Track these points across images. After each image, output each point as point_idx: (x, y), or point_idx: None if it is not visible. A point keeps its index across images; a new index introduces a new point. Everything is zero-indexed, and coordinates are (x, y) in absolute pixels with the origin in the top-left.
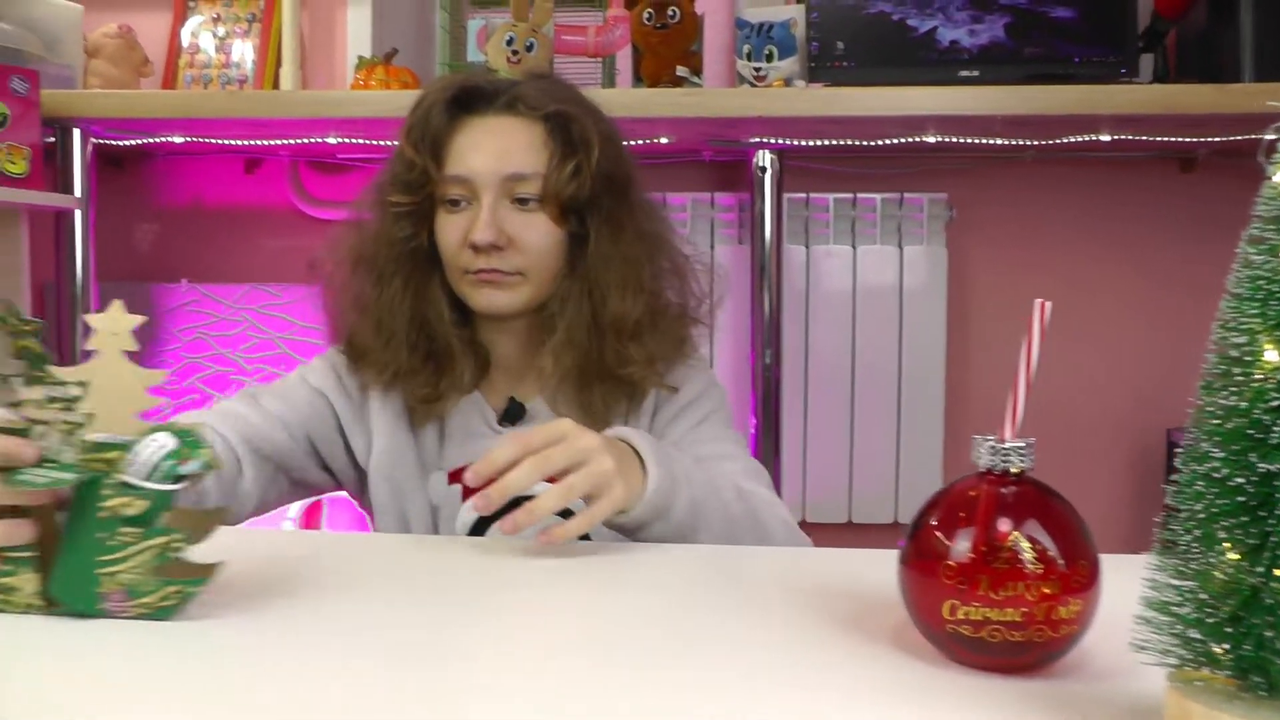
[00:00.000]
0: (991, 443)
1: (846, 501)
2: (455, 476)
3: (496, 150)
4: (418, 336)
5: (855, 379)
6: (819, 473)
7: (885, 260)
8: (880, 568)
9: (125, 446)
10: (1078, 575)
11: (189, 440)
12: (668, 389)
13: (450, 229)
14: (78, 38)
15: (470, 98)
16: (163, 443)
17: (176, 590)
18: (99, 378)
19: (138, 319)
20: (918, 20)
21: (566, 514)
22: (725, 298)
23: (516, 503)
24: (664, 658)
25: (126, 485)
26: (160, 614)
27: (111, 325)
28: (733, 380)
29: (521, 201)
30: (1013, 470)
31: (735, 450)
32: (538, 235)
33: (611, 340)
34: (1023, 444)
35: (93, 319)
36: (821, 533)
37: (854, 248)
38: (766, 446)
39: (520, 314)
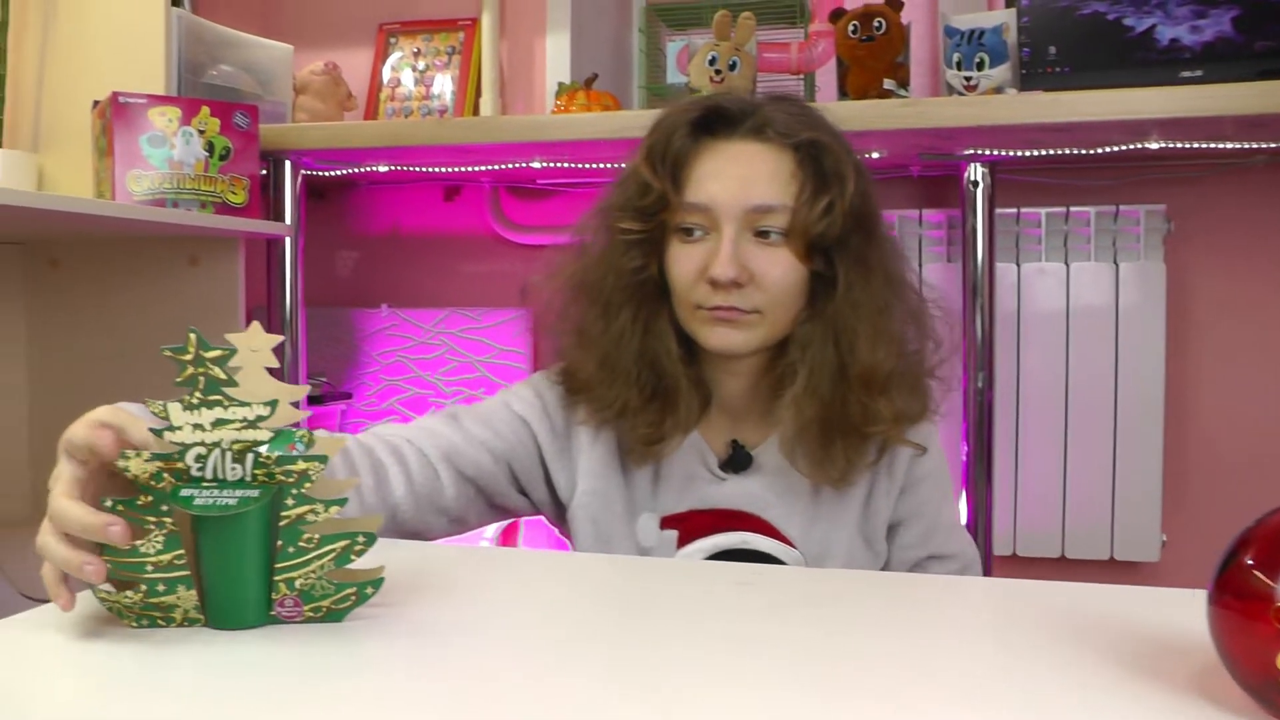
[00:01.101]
0: None
1: (1060, 535)
2: (671, 522)
3: (741, 179)
4: (645, 374)
5: (1069, 404)
6: (1031, 504)
7: (1100, 277)
8: (1164, 606)
9: (320, 459)
10: None
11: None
12: (916, 448)
13: (685, 260)
14: (288, 76)
15: (714, 120)
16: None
17: (352, 592)
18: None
19: (277, 337)
20: (1135, 19)
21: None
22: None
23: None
24: (936, 701)
25: (306, 496)
26: (333, 617)
27: (252, 343)
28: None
29: (763, 235)
30: None
31: (962, 545)
32: (780, 272)
33: (859, 393)
34: None
35: (234, 337)
36: (1034, 568)
37: (1067, 264)
38: (978, 475)
39: (753, 355)
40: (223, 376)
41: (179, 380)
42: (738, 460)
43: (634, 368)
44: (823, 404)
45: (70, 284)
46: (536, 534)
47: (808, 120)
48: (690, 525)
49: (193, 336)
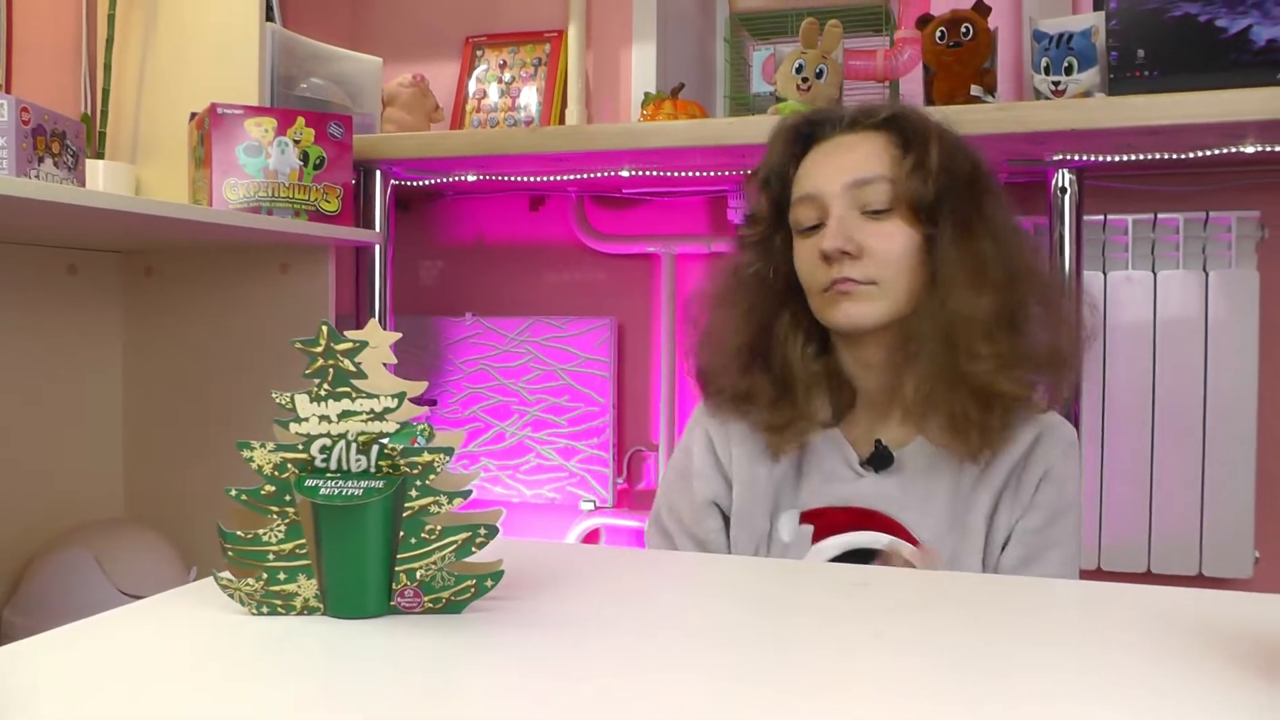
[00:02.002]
0: None
1: (1146, 549)
2: (808, 517)
3: (840, 165)
4: (764, 361)
5: (1156, 416)
6: (1116, 517)
7: (1189, 286)
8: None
9: (446, 450)
10: None
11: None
12: (1030, 399)
13: (805, 252)
14: (377, 88)
15: (814, 128)
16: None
17: (472, 584)
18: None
19: (395, 334)
20: (1228, 19)
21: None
22: (1093, 339)
23: (862, 555)
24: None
25: (429, 488)
26: (452, 608)
27: (372, 339)
28: None
29: (873, 213)
30: None
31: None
32: (890, 242)
33: (962, 340)
34: None
35: (354, 334)
36: (1118, 582)
37: (1154, 273)
38: None
39: (879, 330)
40: (351, 369)
41: (308, 371)
42: (879, 459)
43: (750, 355)
44: (936, 365)
45: (165, 290)
46: (618, 538)
47: (891, 105)
48: (826, 521)
49: (324, 329)
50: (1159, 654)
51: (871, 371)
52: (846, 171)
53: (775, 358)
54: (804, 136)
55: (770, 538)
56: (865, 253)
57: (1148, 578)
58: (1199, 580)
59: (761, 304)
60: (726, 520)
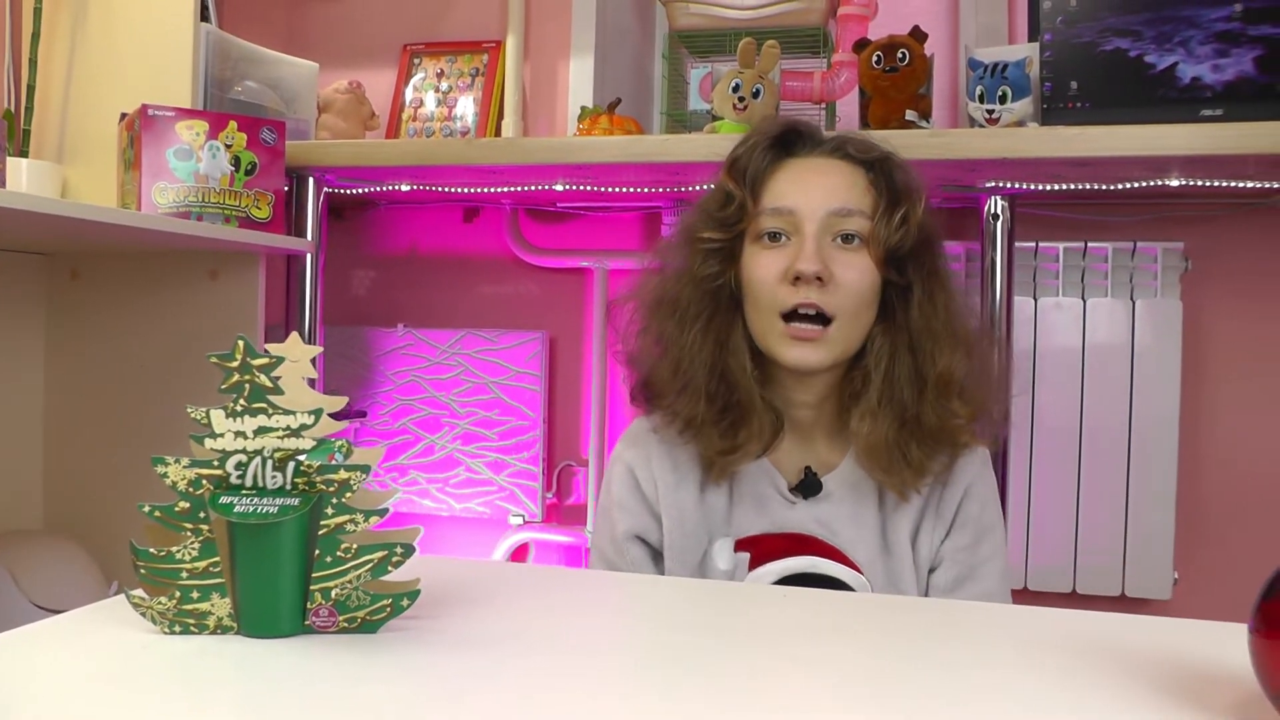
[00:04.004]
0: None
1: (1071, 569)
2: (744, 545)
3: (822, 186)
4: (716, 385)
5: (1083, 438)
6: (1043, 538)
7: (1116, 314)
8: (1191, 638)
9: (362, 468)
10: None
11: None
12: (982, 445)
13: (766, 264)
14: (312, 94)
15: (793, 140)
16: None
17: (388, 603)
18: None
19: (316, 349)
20: (1156, 56)
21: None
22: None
23: (801, 580)
24: None
25: (345, 506)
26: (367, 628)
27: (291, 353)
28: None
29: (845, 240)
30: None
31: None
32: (857, 275)
33: (935, 396)
34: None
35: (275, 348)
36: (1045, 602)
37: (1083, 300)
38: None
39: (826, 370)
40: (268, 384)
41: (223, 387)
42: (808, 486)
43: (705, 379)
44: (901, 409)
45: (90, 295)
46: (547, 553)
47: (877, 144)
48: (762, 548)
49: (240, 343)
50: (1082, 679)
51: (805, 399)
52: (830, 196)
53: (728, 379)
54: (782, 146)
55: (705, 566)
56: (833, 281)
57: (1073, 598)
58: (1121, 600)
59: (719, 317)
60: (654, 552)
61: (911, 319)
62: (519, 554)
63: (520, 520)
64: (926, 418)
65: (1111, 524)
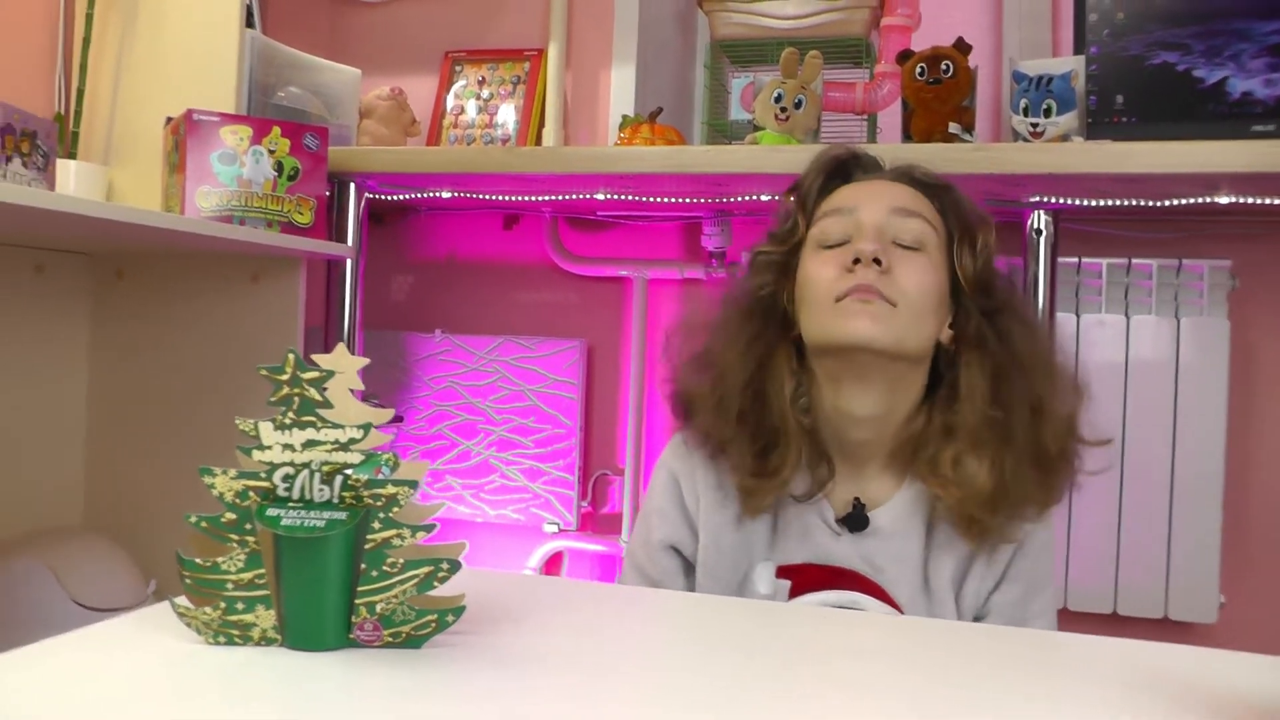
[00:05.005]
0: None
1: (1112, 591)
2: (785, 572)
3: (886, 193)
4: (750, 405)
5: (1125, 457)
6: (1083, 557)
7: (1161, 331)
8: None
9: (410, 484)
10: None
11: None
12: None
13: (824, 263)
14: (354, 100)
15: (857, 166)
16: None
17: (433, 619)
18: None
19: (363, 360)
20: (1206, 70)
21: None
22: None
23: None
24: None
25: (393, 520)
26: (412, 643)
27: (338, 365)
28: None
29: (906, 246)
30: None
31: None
32: (919, 273)
33: (1055, 427)
34: None
35: (323, 359)
36: (1084, 623)
37: (1127, 317)
38: None
39: (882, 357)
40: (318, 398)
41: (273, 399)
42: (855, 520)
43: (739, 397)
44: (1017, 445)
45: (133, 296)
46: (580, 562)
47: (940, 176)
48: (804, 578)
49: (290, 357)
50: (1128, 709)
51: (861, 431)
52: (892, 198)
53: (768, 403)
54: (844, 169)
55: (743, 589)
56: (893, 272)
57: (1113, 619)
58: (1164, 623)
59: (764, 336)
60: (686, 564)
61: (1015, 348)
62: (553, 562)
63: (555, 528)
64: (1047, 448)
65: (1154, 545)
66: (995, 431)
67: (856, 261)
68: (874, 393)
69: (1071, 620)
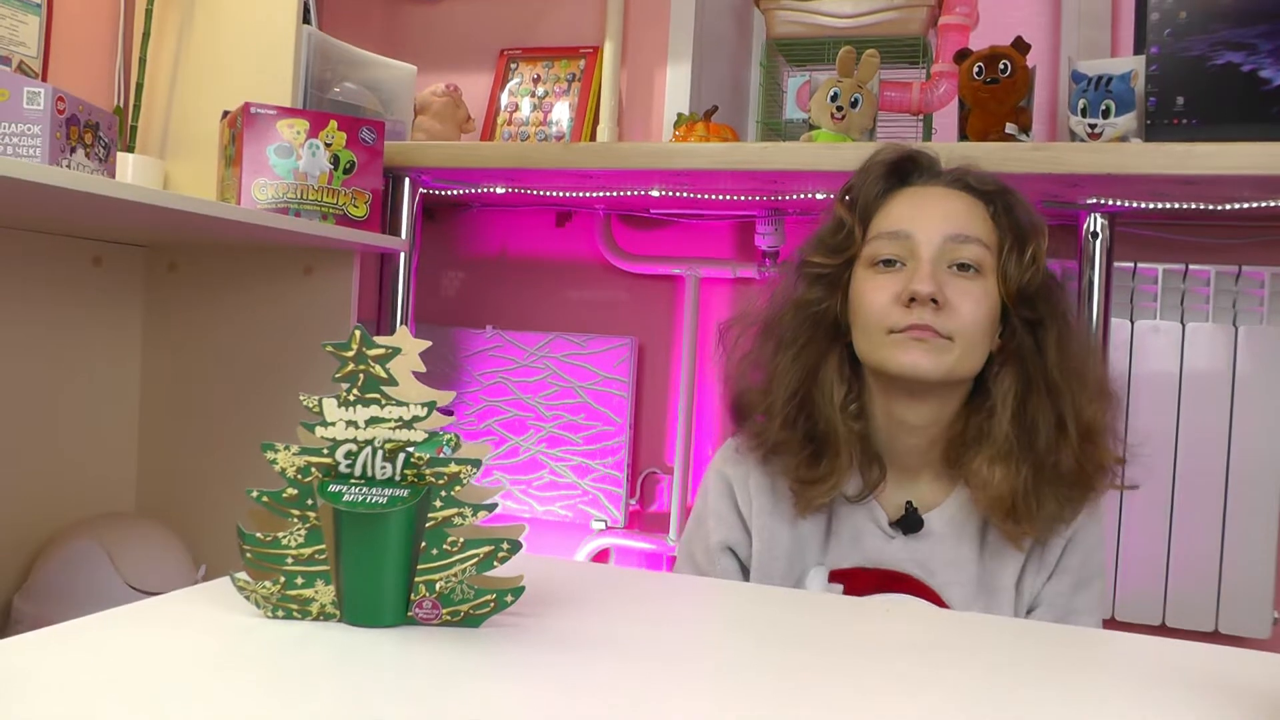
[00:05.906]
0: None
1: (1161, 601)
2: (838, 576)
3: (940, 212)
4: (796, 412)
5: (1178, 466)
6: (1133, 567)
7: (1217, 339)
8: None
9: (473, 462)
10: None
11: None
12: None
13: (879, 288)
14: (409, 96)
15: (912, 169)
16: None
17: (491, 598)
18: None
19: (425, 342)
20: (1272, 71)
21: None
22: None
23: None
24: None
25: (454, 499)
26: (470, 622)
27: (403, 346)
28: None
29: (961, 268)
30: None
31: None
32: (974, 303)
33: (1078, 442)
34: None
35: (386, 339)
36: (1131, 633)
37: (1182, 324)
38: None
39: (930, 394)
40: (383, 375)
41: (337, 375)
42: (909, 522)
43: (786, 403)
44: (1037, 454)
45: (187, 287)
46: (628, 560)
47: (997, 179)
48: (857, 582)
49: (357, 333)
50: (1184, 710)
51: (912, 439)
52: (947, 222)
53: (817, 409)
54: (899, 173)
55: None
56: (949, 306)
57: (1162, 631)
58: (1215, 637)
59: (815, 344)
60: (743, 567)
61: (1048, 360)
62: (599, 559)
63: (603, 525)
64: (1065, 463)
65: (1206, 556)
66: (1020, 442)
67: (912, 299)
68: (927, 406)
69: (1118, 630)
